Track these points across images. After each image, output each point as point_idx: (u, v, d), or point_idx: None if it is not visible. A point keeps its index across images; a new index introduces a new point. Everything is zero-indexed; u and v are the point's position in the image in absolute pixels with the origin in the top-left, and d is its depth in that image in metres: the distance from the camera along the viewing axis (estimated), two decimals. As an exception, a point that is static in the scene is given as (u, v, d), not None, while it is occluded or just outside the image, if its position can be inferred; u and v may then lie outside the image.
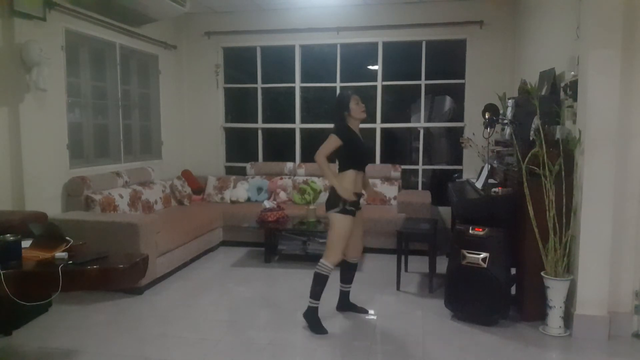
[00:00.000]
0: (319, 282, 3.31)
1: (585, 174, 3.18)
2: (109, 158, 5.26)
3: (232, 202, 5.99)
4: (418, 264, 4.78)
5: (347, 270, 3.61)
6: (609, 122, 3.13)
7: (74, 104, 4.76)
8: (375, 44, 6.04)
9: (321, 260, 3.32)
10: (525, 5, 5.21)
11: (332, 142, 3.25)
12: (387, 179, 5.89)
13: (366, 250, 5.28)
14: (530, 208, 3.32)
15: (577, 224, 3.25)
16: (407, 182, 6.31)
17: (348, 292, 3.67)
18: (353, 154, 3.33)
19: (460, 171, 5.97)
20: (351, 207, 3.29)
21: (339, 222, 3.29)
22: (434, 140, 6.71)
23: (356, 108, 3.33)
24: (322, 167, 3.26)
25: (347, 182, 3.28)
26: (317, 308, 3.36)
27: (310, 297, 3.35)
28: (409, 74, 6.06)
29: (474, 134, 5.44)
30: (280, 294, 4.14)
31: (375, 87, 6.08)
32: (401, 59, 6.20)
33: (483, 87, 5.56)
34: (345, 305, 3.67)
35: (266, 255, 5.06)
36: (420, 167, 6.16)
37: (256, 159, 6.55)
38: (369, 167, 5.94)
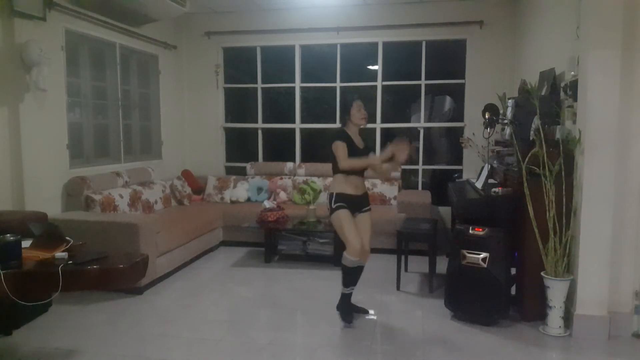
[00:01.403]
0: (344, 272, 3.48)
1: (585, 174, 3.18)
2: (109, 158, 5.26)
3: (232, 202, 5.99)
4: (418, 264, 4.78)
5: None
6: (609, 122, 3.13)
7: (74, 104, 4.75)
8: (375, 44, 6.04)
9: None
10: (525, 5, 5.21)
11: (341, 147, 3.34)
12: (387, 179, 5.89)
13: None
14: (530, 208, 3.32)
15: (577, 224, 3.25)
16: (407, 182, 6.31)
17: (350, 293, 3.67)
18: None
19: (460, 171, 5.97)
20: (338, 204, 3.40)
21: (334, 220, 3.46)
22: (434, 140, 6.70)
23: (357, 114, 3.44)
24: (354, 166, 3.37)
25: (337, 186, 3.44)
26: (348, 295, 3.52)
27: (342, 284, 3.53)
28: (409, 74, 6.06)
29: (474, 134, 5.44)
30: (280, 294, 4.14)
31: (375, 87, 6.08)
32: (401, 59, 6.20)
33: (483, 87, 5.56)
34: None
35: (266, 255, 5.06)
36: (420, 167, 6.16)
37: (256, 159, 6.55)
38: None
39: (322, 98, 6.55)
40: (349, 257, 3.40)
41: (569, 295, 3.28)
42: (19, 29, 3.90)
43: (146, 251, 3.74)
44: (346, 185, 3.41)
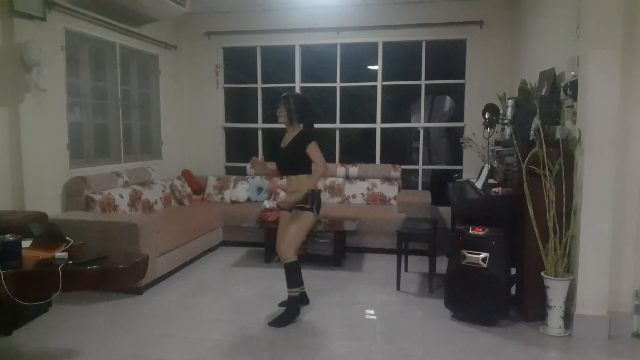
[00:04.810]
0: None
1: (585, 174, 3.18)
2: (109, 158, 5.26)
3: (232, 202, 5.99)
4: (418, 264, 4.78)
5: None
6: (609, 122, 3.13)
7: (74, 104, 4.75)
8: (375, 44, 6.03)
9: None
10: (525, 5, 5.21)
11: None
12: (387, 179, 5.89)
13: (366, 250, 5.31)
14: (530, 208, 3.32)
15: (577, 224, 3.25)
16: (407, 182, 6.31)
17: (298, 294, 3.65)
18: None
19: (460, 171, 5.97)
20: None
21: None
22: (434, 140, 6.71)
23: None
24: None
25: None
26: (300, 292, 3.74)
27: None
28: (409, 74, 6.06)
29: (474, 134, 5.44)
30: (280, 294, 4.12)
31: (375, 87, 6.07)
32: (401, 59, 6.20)
33: (483, 87, 5.56)
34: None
35: (266, 255, 5.06)
36: (420, 167, 6.15)
37: (256, 159, 6.55)
38: (369, 166, 5.89)
39: (322, 98, 6.55)
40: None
41: (569, 295, 3.28)
42: (19, 29, 3.89)
43: (146, 251, 3.74)
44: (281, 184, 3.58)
